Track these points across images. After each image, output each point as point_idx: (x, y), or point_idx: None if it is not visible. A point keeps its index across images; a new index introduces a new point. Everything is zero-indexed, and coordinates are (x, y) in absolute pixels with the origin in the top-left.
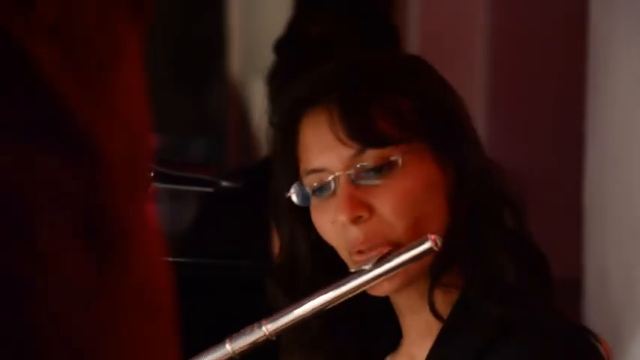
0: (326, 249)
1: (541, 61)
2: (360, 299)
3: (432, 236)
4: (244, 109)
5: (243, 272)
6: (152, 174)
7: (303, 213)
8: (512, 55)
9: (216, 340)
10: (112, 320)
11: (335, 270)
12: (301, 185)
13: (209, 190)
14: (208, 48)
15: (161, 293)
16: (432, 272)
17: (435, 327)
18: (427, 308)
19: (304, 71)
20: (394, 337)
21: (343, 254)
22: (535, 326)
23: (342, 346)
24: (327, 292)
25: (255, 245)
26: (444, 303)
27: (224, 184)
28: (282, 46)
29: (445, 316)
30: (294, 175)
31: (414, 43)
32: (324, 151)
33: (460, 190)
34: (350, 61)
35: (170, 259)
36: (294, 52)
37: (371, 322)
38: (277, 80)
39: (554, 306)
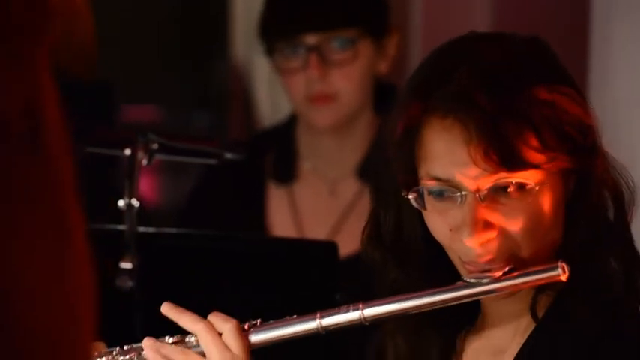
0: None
1: None
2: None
3: (562, 264)
4: (247, 81)
5: (244, 244)
6: (156, 146)
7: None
8: None
9: (212, 311)
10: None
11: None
12: (421, 189)
13: (213, 162)
14: (212, 21)
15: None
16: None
17: (524, 322)
18: (520, 302)
19: None
20: (471, 313)
21: (454, 258)
22: (633, 334)
23: (434, 318)
24: (436, 294)
25: (253, 217)
26: (539, 302)
27: (228, 156)
28: None
29: (539, 315)
30: (410, 172)
31: (416, 41)
32: (455, 166)
33: (581, 203)
34: (481, 67)
35: (174, 230)
36: None
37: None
38: None
39: None
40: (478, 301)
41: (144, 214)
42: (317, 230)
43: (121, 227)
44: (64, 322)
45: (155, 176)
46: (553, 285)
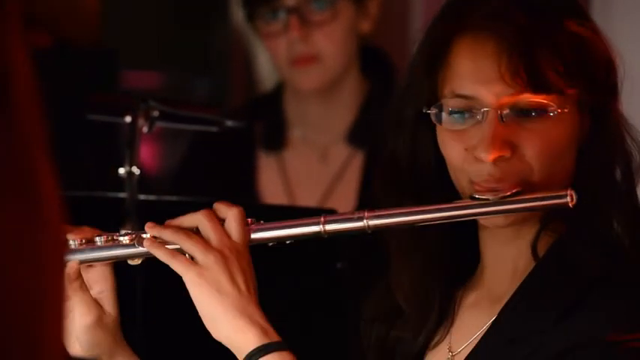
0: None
1: None
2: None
3: (571, 192)
4: (248, 47)
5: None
6: (157, 113)
7: (429, 125)
8: None
9: None
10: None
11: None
12: (441, 106)
13: (213, 129)
14: None
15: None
16: (543, 217)
17: (522, 266)
18: (521, 246)
19: None
20: (470, 267)
21: (461, 178)
22: (629, 281)
23: (444, 262)
24: (443, 210)
25: (243, 184)
26: (540, 244)
27: (229, 123)
28: None
29: (539, 257)
30: (430, 91)
31: (417, 6)
32: (482, 83)
33: (594, 144)
34: None
35: (175, 197)
36: None
37: (455, 245)
38: None
39: None
40: (479, 253)
41: (144, 182)
42: (308, 196)
43: (122, 195)
44: (30, 287)
45: (156, 143)
46: (555, 228)
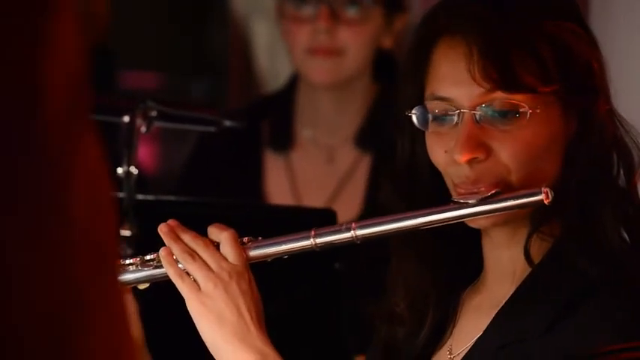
0: None
1: None
2: (455, 226)
3: (545, 189)
4: (247, 48)
5: (242, 211)
6: (155, 113)
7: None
8: None
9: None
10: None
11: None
12: (424, 109)
13: (212, 129)
14: None
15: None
16: (534, 220)
17: (519, 270)
18: (517, 249)
19: None
20: (475, 270)
21: (448, 181)
22: (624, 289)
23: (443, 265)
24: (425, 215)
25: (250, 184)
26: (537, 249)
27: (227, 123)
28: None
29: (535, 262)
30: (419, 94)
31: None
32: (456, 85)
33: (580, 144)
34: None
35: (173, 197)
36: None
37: (460, 249)
38: None
39: None
40: (482, 257)
41: (142, 182)
42: (315, 198)
43: (120, 195)
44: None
45: (154, 144)
46: (552, 232)
